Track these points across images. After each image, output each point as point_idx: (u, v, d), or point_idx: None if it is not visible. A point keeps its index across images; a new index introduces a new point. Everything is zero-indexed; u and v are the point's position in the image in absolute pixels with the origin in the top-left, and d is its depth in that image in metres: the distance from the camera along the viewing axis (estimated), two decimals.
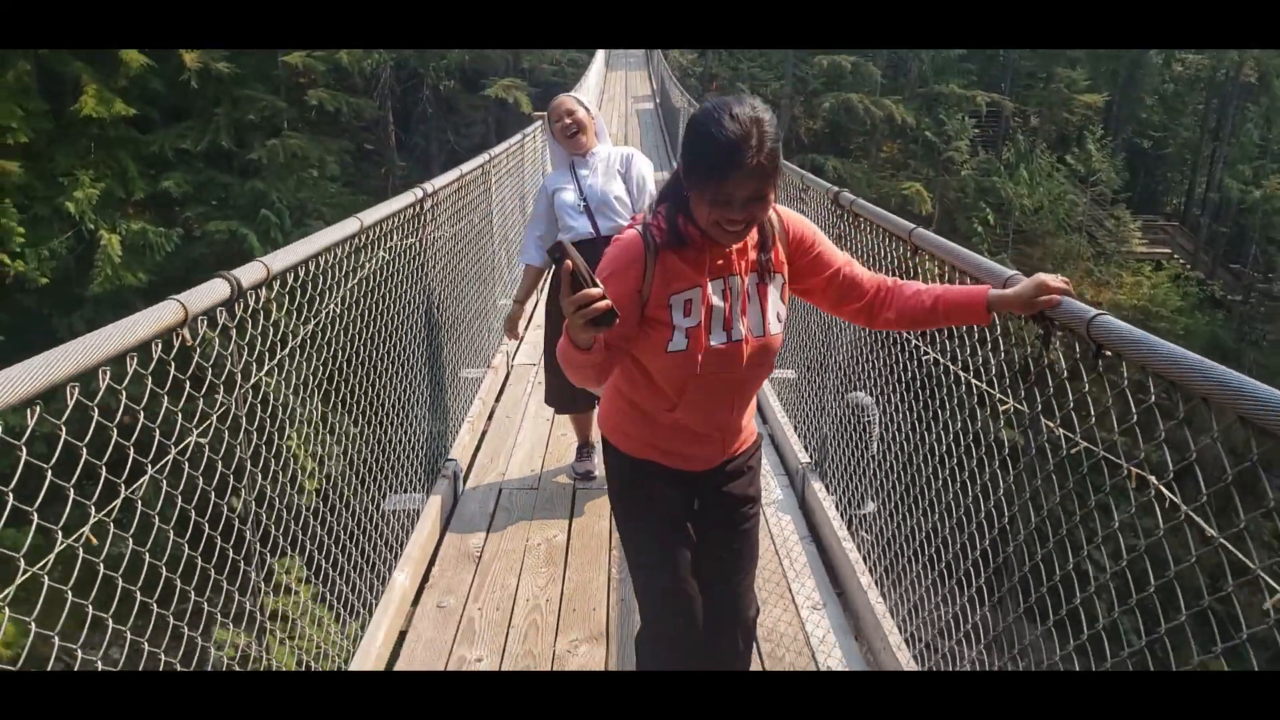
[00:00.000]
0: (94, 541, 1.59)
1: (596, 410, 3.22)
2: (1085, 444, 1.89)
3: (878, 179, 26.46)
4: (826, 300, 2.06)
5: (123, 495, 1.67)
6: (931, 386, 2.82)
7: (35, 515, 1.46)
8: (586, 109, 3.88)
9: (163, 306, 1.72)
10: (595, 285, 1.57)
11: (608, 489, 2.18)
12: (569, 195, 3.86)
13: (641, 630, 2.17)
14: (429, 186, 3.96)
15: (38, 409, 1.36)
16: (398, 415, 3.46)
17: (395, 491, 3.49)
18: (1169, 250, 29.03)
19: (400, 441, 3.47)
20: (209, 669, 2.08)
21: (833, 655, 2.83)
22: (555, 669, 2.81)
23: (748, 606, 2.16)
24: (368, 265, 3.12)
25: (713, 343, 1.85)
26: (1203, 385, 1.41)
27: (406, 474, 3.57)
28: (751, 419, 2.13)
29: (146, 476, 1.74)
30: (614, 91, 27.67)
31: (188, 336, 1.76)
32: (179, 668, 1.94)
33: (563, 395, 3.99)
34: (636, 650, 2.23)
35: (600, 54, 22.78)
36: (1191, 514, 1.55)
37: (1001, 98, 28.68)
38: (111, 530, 1.69)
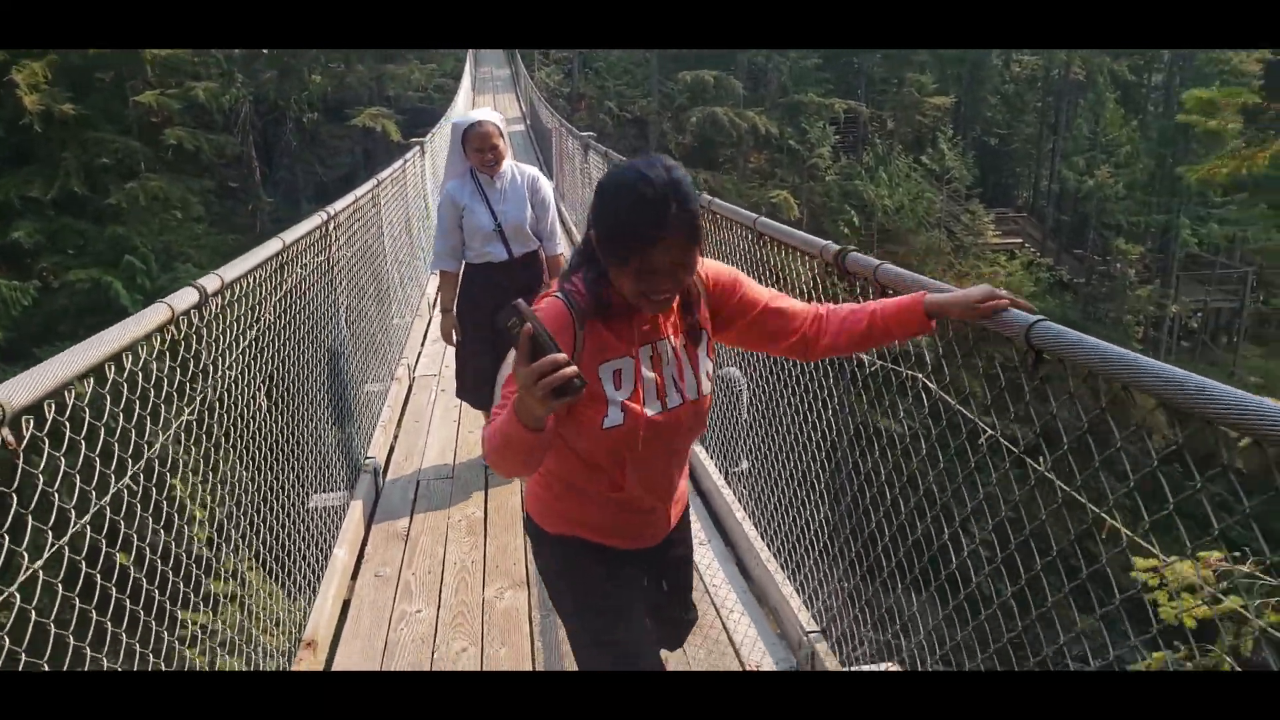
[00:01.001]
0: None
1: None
2: (953, 404, 2.48)
3: (747, 189, 27.57)
4: (756, 341, 1.96)
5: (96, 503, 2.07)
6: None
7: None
8: (503, 135, 4.02)
9: (153, 309, 2.13)
10: (557, 350, 1.41)
11: (545, 577, 2.02)
12: (482, 219, 4.02)
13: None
14: (331, 210, 4.36)
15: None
16: (318, 421, 3.84)
17: (318, 491, 3.87)
18: (1020, 240, 31.05)
19: (325, 444, 3.86)
20: (172, 645, 2.45)
21: (718, 577, 3.38)
22: (485, 612, 3.26)
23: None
24: (288, 281, 3.51)
25: (649, 413, 1.73)
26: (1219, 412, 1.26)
27: (330, 474, 3.95)
28: (686, 480, 2.05)
29: (128, 476, 2.14)
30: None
31: (175, 332, 2.17)
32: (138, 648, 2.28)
33: (468, 389, 4.38)
34: None
35: (466, 79, 23.07)
36: (1053, 478, 1.91)
37: (858, 104, 30.34)
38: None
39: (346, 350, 4.57)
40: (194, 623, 2.73)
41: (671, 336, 1.77)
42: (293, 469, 3.38)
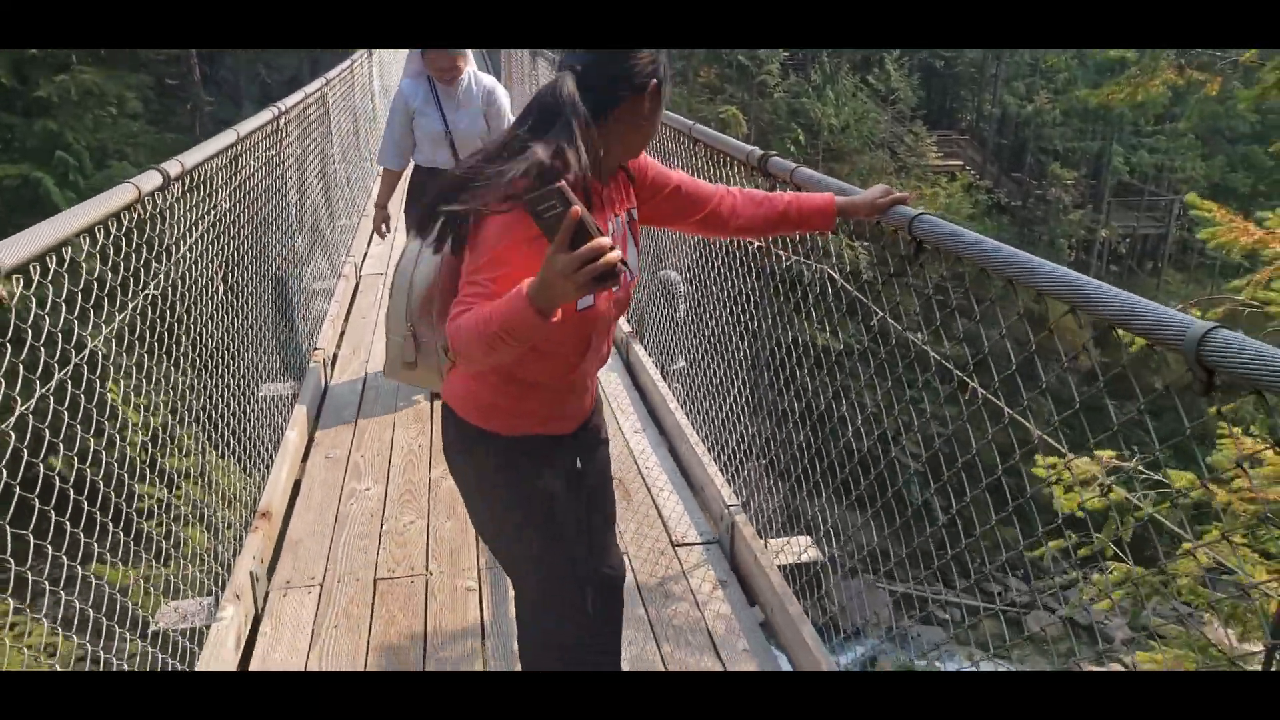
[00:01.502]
0: None
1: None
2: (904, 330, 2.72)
3: (697, 103, 27.37)
4: (670, 217, 2.00)
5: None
6: (723, 264, 3.61)
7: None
8: (465, 57, 4.00)
9: (120, 189, 2.26)
10: (601, 234, 1.33)
11: (477, 486, 1.87)
12: (433, 125, 3.98)
13: (533, 620, 1.99)
14: (282, 105, 4.41)
15: None
16: (268, 312, 3.98)
17: (269, 381, 4.03)
18: (961, 162, 31.45)
19: (275, 334, 4.01)
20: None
21: (650, 460, 3.66)
22: (431, 490, 3.50)
23: (621, 568, 2.07)
24: (242, 173, 3.61)
25: (613, 291, 1.73)
26: (1006, 268, 1.58)
27: (280, 364, 4.10)
28: None
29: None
30: None
31: (142, 211, 2.31)
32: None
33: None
34: (531, 637, 2.02)
35: None
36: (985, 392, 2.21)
37: None
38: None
39: (297, 245, 4.68)
40: (151, 496, 2.93)
41: (619, 215, 1.78)
42: (245, 357, 3.53)
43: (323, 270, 5.57)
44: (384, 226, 4.41)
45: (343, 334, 5.32)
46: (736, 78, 28.87)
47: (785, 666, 2.54)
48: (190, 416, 3.01)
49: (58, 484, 1.94)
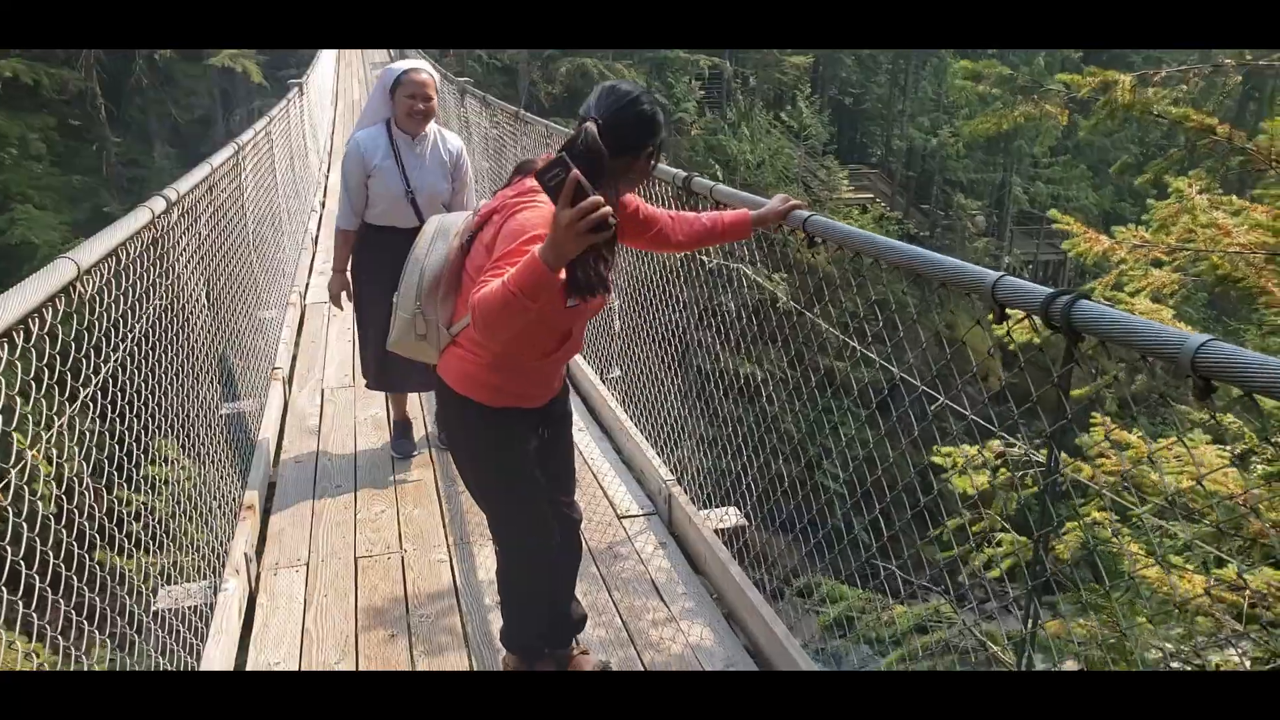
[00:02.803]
0: None
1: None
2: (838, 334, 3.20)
3: None
4: (629, 235, 2.39)
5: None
6: (657, 283, 4.09)
7: None
8: (438, 91, 3.82)
9: (136, 212, 2.62)
10: (595, 194, 1.63)
11: (466, 445, 2.33)
12: (393, 182, 3.70)
13: (512, 553, 2.43)
14: (240, 141, 4.77)
15: None
16: (233, 335, 4.29)
17: (232, 400, 4.34)
18: (872, 195, 32.75)
19: (240, 355, 4.33)
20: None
21: (594, 451, 4.09)
22: (397, 486, 3.86)
23: (579, 511, 2.59)
24: (213, 204, 3.95)
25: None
26: (913, 264, 1.89)
27: (243, 383, 4.42)
28: None
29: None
30: (350, 56, 27.52)
31: (154, 230, 2.67)
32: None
33: (389, 373, 3.91)
34: (510, 567, 2.46)
35: None
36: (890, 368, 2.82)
37: (722, 60, 31.25)
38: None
39: (255, 272, 5.01)
40: (135, 501, 3.23)
41: None
42: (215, 376, 3.85)
43: (272, 299, 5.88)
44: (345, 294, 3.97)
45: (295, 356, 5.63)
46: None
47: (715, 604, 2.98)
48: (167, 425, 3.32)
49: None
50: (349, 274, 3.94)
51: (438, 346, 2.25)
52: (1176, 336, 1.26)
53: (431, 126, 3.78)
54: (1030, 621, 1.64)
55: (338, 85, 18.95)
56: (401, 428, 4.21)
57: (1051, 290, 1.49)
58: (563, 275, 1.73)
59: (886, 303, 3.29)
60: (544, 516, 2.35)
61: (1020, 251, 31.07)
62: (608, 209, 1.62)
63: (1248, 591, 4.73)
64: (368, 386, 4.11)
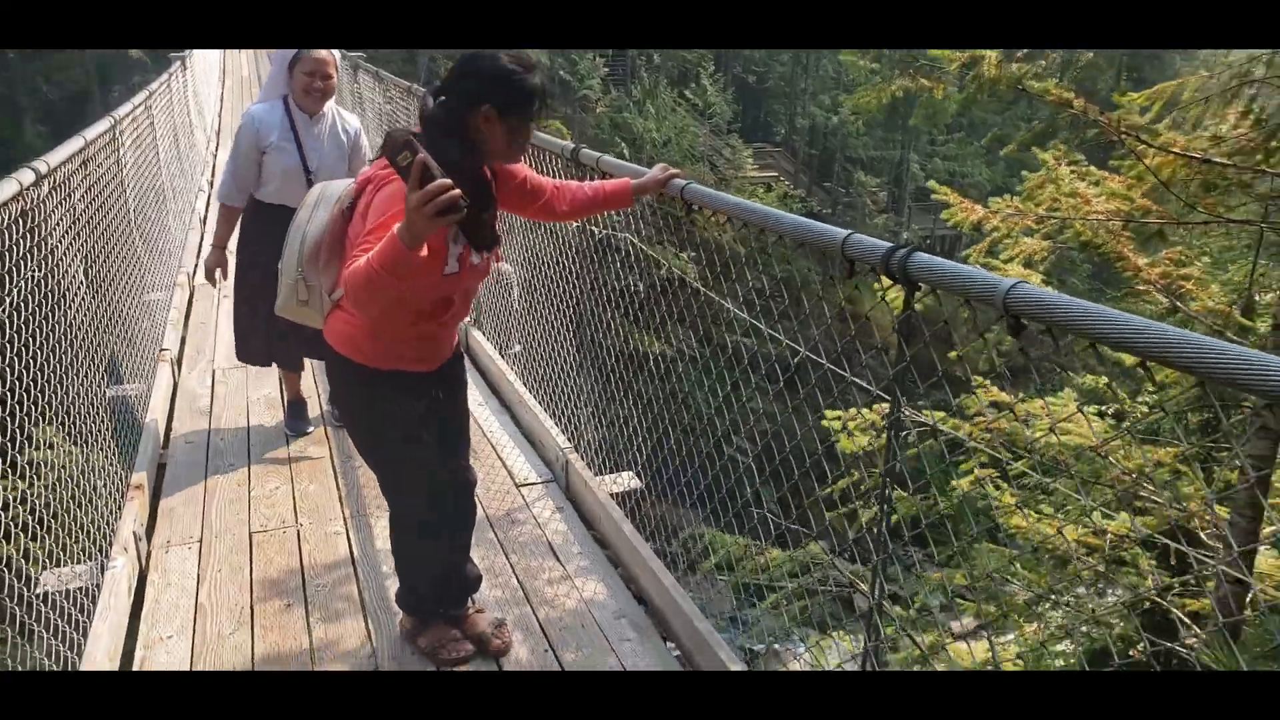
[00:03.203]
0: None
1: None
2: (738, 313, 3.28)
3: None
4: (517, 204, 2.44)
5: None
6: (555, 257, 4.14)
7: None
8: (338, 69, 3.73)
9: (4, 182, 2.55)
10: (444, 177, 1.65)
11: (346, 404, 2.42)
12: (289, 159, 3.64)
13: (403, 514, 2.48)
14: (116, 115, 4.62)
15: None
16: (115, 316, 4.19)
17: (118, 384, 4.24)
18: (776, 173, 33.29)
19: (123, 337, 4.23)
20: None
21: (493, 424, 4.14)
22: (292, 463, 3.85)
23: (474, 474, 2.63)
24: (90, 178, 3.84)
25: (473, 262, 2.16)
26: (772, 225, 2.04)
27: (130, 366, 4.32)
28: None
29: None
30: None
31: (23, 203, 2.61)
32: None
33: (260, 347, 3.93)
34: (402, 529, 2.52)
35: None
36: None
37: None
38: None
39: (139, 251, 4.87)
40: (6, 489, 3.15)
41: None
42: (98, 357, 3.75)
43: (158, 280, 5.72)
44: (220, 272, 3.89)
45: (184, 339, 5.50)
46: (559, 92, 29.57)
47: (609, 561, 3.09)
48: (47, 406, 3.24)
49: None
50: (234, 251, 3.85)
51: (321, 311, 2.29)
52: (992, 281, 1.39)
53: (330, 105, 3.73)
54: (878, 554, 1.77)
55: (225, 61, 18.28)
56: (296, 407, 4.18)
57: (891, 245, 1.62)
58: (424, 251, 1.77)
59: (792, 280, 3.40)
60: (430, 479, 2.38)
61: (918, 227, 32.01)
62: (455, 192, 1.65)
63: (1109, 535, 5.09)
64: (239, 356, 4.05)
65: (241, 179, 3.71)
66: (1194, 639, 4.54)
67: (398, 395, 2.27)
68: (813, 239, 1.85)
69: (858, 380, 1.82)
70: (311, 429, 4.15)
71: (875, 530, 1.84)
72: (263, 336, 3.90)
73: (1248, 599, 4.47)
